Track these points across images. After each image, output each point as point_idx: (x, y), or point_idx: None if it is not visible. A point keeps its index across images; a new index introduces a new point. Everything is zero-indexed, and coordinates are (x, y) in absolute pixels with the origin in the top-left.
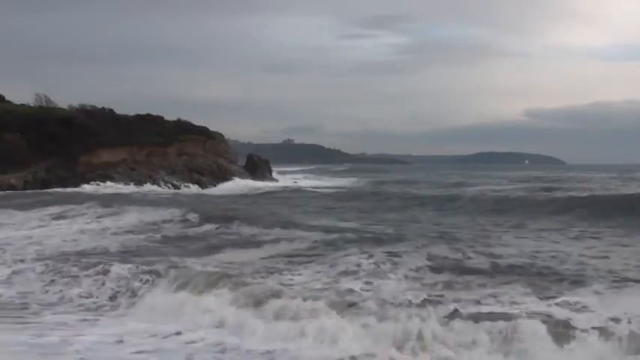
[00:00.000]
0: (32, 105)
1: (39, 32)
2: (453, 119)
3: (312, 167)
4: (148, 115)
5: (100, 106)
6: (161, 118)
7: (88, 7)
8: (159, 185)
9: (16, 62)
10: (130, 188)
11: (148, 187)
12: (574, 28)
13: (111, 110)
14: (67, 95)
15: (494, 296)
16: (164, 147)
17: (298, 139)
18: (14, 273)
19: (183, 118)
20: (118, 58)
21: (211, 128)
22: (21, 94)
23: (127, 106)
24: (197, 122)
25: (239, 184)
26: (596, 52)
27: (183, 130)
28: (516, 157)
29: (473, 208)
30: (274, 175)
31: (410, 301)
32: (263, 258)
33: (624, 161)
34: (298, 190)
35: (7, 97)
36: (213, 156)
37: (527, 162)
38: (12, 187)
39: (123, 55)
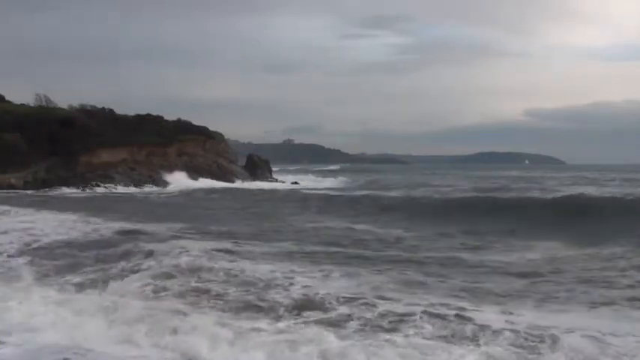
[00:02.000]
0: (32, 105)
1: (39, 32)
2: (453, 119)
3: (298, 167)
4: (148, 115)
5: (100, 106)
6: (161, 118)
7: (89, 7)
8: (158, 186)
9: (16, 62)
10: (130, 189)
11: (148, 189)
12: (574, 28)
13: (111, 110)
14: (67, 95)
15: None
16: (164, 147)
17: (298, 139)
18: None
19: (183, 118)
20: (118, 58)
21: (211, 128)
22: (21, 94)
23: (127, 106)
24: (197, 122)
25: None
26: (596, 52)
27: (183, 130)
28: (516, 157)
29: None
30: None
31: None
32: None
33: (624, 161)
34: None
35: (7, 97)
36: (213, 156)
37: (527, 162)
38: (12, 187)
39: (123, 55)
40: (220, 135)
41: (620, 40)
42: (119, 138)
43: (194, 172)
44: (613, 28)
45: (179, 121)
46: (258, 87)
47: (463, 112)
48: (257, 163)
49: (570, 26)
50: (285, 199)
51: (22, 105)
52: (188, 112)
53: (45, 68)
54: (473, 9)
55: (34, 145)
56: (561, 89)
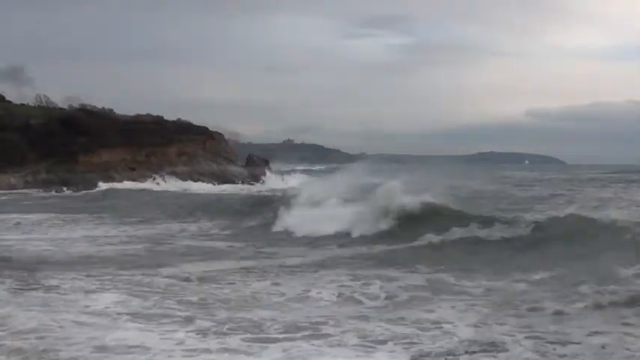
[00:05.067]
0: (32, 105)
1: (39, 32)
2: (453, 119)
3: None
4: (148, 115)
5: (100, 106)
6: (161, 118)
7: (88, 7)
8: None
9: (16, 62)
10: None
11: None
12: (574, 28)
13: (111, 110)
14: (67, 95)
15: None
16: (164, 147)
17: (298, 139)
18: None
19: (183, 118)
20: (118, 57)
21: (211, 128)
22: (21, 94)
23: (127, 106)
24: (197, 122)
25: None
26: (596, 52)
27: (183, 130)
28: (517, 157)
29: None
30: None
31: None
32: None
33: (624, 161)
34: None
35: (7, 97)
36: (213, 156)
37: (527, 162)
38: (12, 187)
39: (123, 55)
40: (220, 135)
41: (620, 40)
42: (119, 138)
43: (195, 173)
44: (613, 28)
45: (179, 121)
46: (258, 87)
47: (463, 112)
48: (257, 163)
49: (570, 26)
50: None
51: (22, 105)
52: (188, 112)
53: (45, 68)
54: (473, 9)
55: (34, 145)
56: (561, 89)
